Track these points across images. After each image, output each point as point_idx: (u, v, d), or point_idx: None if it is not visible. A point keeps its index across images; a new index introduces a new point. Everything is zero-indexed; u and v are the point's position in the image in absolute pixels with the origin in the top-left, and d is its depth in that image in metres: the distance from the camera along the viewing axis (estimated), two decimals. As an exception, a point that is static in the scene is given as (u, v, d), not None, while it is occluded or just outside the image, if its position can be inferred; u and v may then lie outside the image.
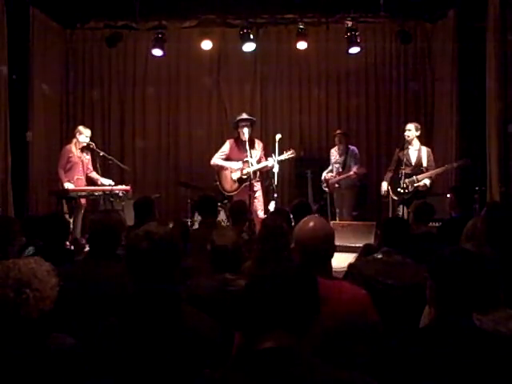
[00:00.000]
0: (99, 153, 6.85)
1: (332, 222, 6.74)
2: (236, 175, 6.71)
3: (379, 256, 3.09)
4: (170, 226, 4.10)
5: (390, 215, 6.61)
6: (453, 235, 3.33)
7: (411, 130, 6.48)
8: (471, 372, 1.60)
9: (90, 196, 6.65)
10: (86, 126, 7.20)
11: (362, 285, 2.82)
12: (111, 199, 6.45)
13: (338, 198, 7.31)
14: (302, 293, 1.44)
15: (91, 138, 6.94)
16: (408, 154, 6.44)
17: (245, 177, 6.60)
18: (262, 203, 6.73)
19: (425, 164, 6.44)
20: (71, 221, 6.22)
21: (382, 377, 1.65)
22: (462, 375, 1.61)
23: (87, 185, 6.87)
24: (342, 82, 8.60)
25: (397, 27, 7.80)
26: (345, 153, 7.23)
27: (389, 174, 6.71)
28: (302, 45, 7.70)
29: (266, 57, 8.50)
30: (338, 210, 7.27)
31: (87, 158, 6.97)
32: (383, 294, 2.82)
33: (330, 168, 7.36)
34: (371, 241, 5.52)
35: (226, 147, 6.81)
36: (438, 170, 6.45)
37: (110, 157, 6.94)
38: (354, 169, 7.00)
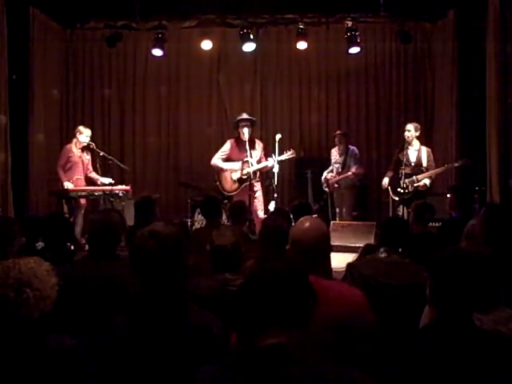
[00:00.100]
0: (99, 153, 6.85)
1: (332, 222, 6.74)
2: (236, 175, 6.71)
3: (378, 256, 3.09)
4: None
5: (390, 215, 6.61)
6: (453, 235, 3.34)
7: (411, 131, 6.48)
8: (471, 372, 1.60)
9: (89, 196, 6.65)
10: (86, 125, 7.21)
11: (361, 284, 2.83)
12: (111, 199, 6.44)
13: (337, 198, 7.31)
14: (293, 286, 1.46)
15: (91, 138, 6.94)
16: (408, 154, 6.44)
17: (245, 177, 6.60)
18: (262, 203, 6.73)
19: (425, 164, 6.44)
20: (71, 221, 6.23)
21: (381, 377, 1.65)
22: (461, 375, 1.61)
23: (87, 185, 6.87)
24: (341, 82, 8.60)
25: (397, 27, 7.80)
26: (345, 153, 7.23)
27: (389, 173, 6.72)
28: (301, 45, 7.70)
29: (266, 57, 8.50)
30: (337, 210, 7.27)
31: (87, 158, 6.97)
32: (383, 294, 2.82)
33: (330, 168, 7.36)
34: (371, 241, 5.52)
35: (226, 147, 6.81)
36: (438, 170, 6.45)
37: (109, 157, 6.94)
38: (353, 169, 7.01)
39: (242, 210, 4.70)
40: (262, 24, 8.29)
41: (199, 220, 7.49)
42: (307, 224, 2.14)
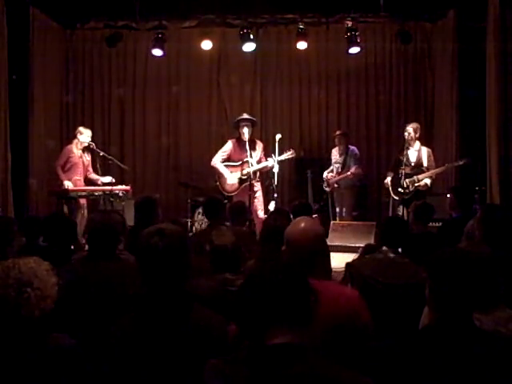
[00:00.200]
0: (99, 153, 6.84)
1: (332, 222, 6.75)
2: (236, 175, 6.71)
3: (378, 255, 3.09)
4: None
5: (391, 215, 6.61)
6: (453, 235, 3.34)
7: (411, 133, 6.46)
8: (471, 373, 1.60)
9: (90, 196, 6.63)
10: (86, 126, 7.21)
11: (361, 284, 2.83)
12: (111, 199, 6.43)
13: (338, 198, 7.32)
14: (294, 284, 1.48)
15: (91, 138, 6.94)
16: (407, 155, 6.44)
17: (245, 177, 6.60)
18: (262, 203, 6.73)
19: (425, 164, 6.44)
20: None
21: (381, 378, 1.65)
22: (461, 376, 1.60)
23: (86, 186, 6.86)
24: (342, 82, 8.59)
25: (397, 27, 7.80)
26: (345, 153, 7.24)
27: (391, 173, 6.71)
28: (301, 45, 7.70)
29: (266, 57, 8.49)
30: (338, 210, 7.28)
31: (88, 159, 6.96)
32: (383, 294, 2.82)
33: (331, 168, 7.37)
34: (371, 241, 5.52)
35: (227, 147, 6.81)
36: (439, 170, 6.45)
37: (109, 157, 6.94)
38: (352, 169, 7.02)
39: (242, 210, 4.71)
40: (262, 24, 8.28)
41: (199, 220, 7.50)
42: (302, 225, 2.14)
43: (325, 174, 7.37)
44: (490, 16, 6.38)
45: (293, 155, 6.76)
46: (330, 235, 6.32)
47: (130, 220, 6.33)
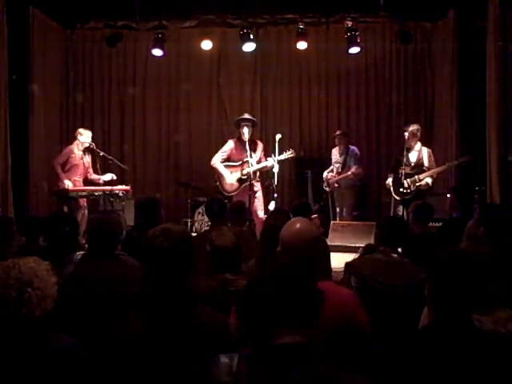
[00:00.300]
0: (99, 153, 6.84)
1: (332, 222, 6.75)
2: (236, 175, 6.71)
3: (377, 255, 3.09)
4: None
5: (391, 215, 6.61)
6: (454, 235, 3.34)
7: (410, 138, 6.43)
8: (470, 373, 1.60)
9: (90, 196, 6.63)
10: (86, 126, 7.23)
11: (360, 284, 2.83)
12: (111, 199, 6.44)
13: (338, 198, 7.32)
14: (300, 283, 1.49)
15: (91, 139, 6.93)
16: (407, 155, 6.43)
17: (245, 177, 6.60)
18: (262, 203, 6.73)
19: (426, 164, 6.43)
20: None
21: (380, 378, 1.65)
22: (461, 376, 1.60)
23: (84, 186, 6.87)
24: (342, 82, 8.59)
25: (397, 27, 7.80)
26: (345, 153, 7.24)
27: (391, 174, 6.71)
28: (301, 45, 7.70)
29: (266, 57, 8.49)
30: (338, 210, 7.27)
31: (88, 160, 6.96)
32: (382, 294, 2.82)
33: (331, 167, 7.37)
34: (371, 241, 5.50)
35: (227, 147, 6.80)
36: (440, 169, 6.45)
37: (109, 157, 6.94)
38: (352, 169, 7.02)
39: (242, 210, 4.70)
40: (262, 24, 8.29)
41: (199, 220, 7.50)
42: (296, 226, 2.13)
43: (325, 174, 7.36)
44: (489, 16, 6.38)
45: (293, 155, 6.76)
46: (330, 235, 6.33)
47: (130, 220, 6.34)
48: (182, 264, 1.94)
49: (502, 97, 6.25)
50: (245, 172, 6.61)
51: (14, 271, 1.79)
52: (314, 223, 6.58)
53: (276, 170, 6.51)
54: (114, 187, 6.54)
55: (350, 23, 7.52)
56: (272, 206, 6.51)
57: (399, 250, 3.28)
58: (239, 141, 6.70)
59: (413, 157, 6.48)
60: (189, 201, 7.53)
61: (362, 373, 1.48)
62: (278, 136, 6.63)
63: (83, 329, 2.34)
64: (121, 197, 6.49)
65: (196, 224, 7.46)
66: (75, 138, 6.86)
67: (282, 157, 6.65)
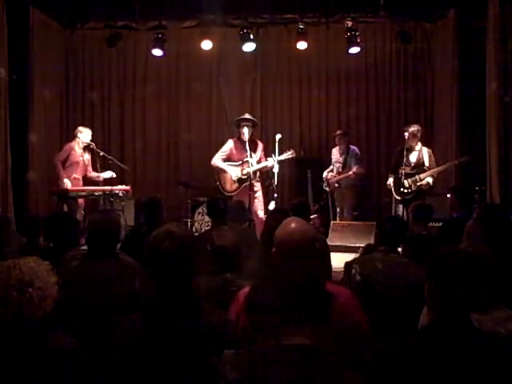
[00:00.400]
0: (99, 153, 6.84)
1: (332, 222, 6.76)
2: (236, 175, 6.70)
3: (376, 255, 3.09)
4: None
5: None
6: (454, 235, 3.34)
7: (410, 138, 6.43)
8: (469, 373, 1.60)
9: (89, 196, 6.63)
10: (86, 125, 7.21)
11: (360, 284, 2.83)
12: (111, 199, 6.44)
13: (338, 198, 7.32)
14: (313, 286, 1.53)
15: (91, 138, 6.94)
16: (407, 155, 6.43)
17: (245, 177, 6.60)
18: (262, 203, 6.73)
19: (427, 164, 6.43)
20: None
21: (380, 378, 1.65)
22: (460, 376, 1.61)
23: (84, 185, 6.86)
24: (341, 82, 8.60)
25: (397, 27, 7.81)
26: (345, 153, 7.24)
27: (392, 174, 6.71)
28: (301, 45, 7.70)
29: (266, 57, 8.50)
30: (338, 210, 7.27)
31: (88, 158, 6.96)
32: (382, 294, 2.82)
33: (331, 167, 7.37)
34: (371, 241, 5.53)
35: (227, 146, 6.80)
36: (440, 168, 6.45)
37: (109, 157, 6.94)
38: (354, 169, 7.02)
39: (242, 210, 4.70)
40: (262, 24, 8.29)
41: (199, 220, 7.50)
42: (290, 226, 2.13)
43: (325, 174, 7.37)
44: (489, 16, 6.38)
45: (293, 155, 6.76)
46: (330, 235, 6.33)
47: (130, 220, 6.35)
48: (187, 265, 1.94)
49: (502, 96, 6.25)
50: (245, 172, 6.61)
51: (15, 271, 1.79)
52: (314, 223, 6.62)
53: (276, 170, 6.51)
54: (114, 187, 6.54)
55: (350, 23, 7.52)
56: (272, 205, 6.51)
57: (399, 249, 3.28)
58: (239, 141, 6.70)
59: (413, 157, 6.48)
60: (189, 201, 7.52)
61: (362, 373, 1.48)
62: (278, 136, 6.63)
63: (83, 328, 2.34)
64: (121, 197, 6.49)
65: (196, 224, 7.45)
66: (75, 136, 6.86)
67: (282, 157, 6.65)
